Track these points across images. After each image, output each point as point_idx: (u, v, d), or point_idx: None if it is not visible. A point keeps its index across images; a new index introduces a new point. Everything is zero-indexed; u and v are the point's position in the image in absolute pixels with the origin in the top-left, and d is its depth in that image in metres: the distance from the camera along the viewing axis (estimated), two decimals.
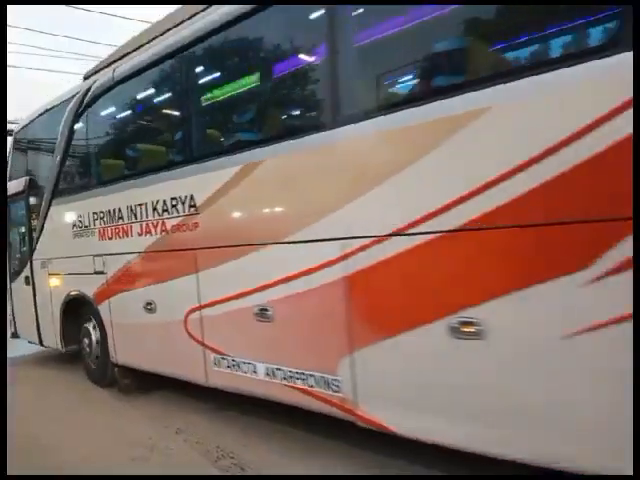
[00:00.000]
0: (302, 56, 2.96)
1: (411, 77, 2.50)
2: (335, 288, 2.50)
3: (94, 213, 4.29)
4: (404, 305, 2.30)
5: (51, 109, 4.99)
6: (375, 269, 2.34)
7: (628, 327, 1.67)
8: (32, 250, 5.30)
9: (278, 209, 2.90)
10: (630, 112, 1.62)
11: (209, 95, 3.46)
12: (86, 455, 3.12)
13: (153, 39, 3.72)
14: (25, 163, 5.57)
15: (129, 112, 4.29)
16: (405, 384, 2.33)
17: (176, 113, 3.79)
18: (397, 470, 2.59)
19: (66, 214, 4.72)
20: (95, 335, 4.64)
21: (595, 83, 1.73)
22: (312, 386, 2.70)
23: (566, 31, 1.99)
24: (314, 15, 2.60)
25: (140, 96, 4.05)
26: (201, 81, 3.54)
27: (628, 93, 1.62)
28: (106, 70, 4.21)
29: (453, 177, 2.08)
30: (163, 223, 3.55)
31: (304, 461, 2.78)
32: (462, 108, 2.02)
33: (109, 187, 4.13)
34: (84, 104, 4.41)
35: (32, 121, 5.39)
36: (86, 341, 4.78)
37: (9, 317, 6.04)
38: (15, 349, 6.09)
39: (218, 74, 3.48)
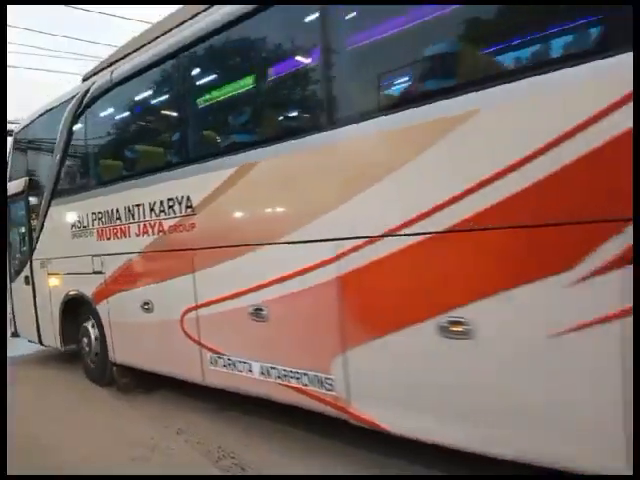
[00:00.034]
0: (299, 57, 2.98)
1: (401, 80, 2.53)
2: (328, 288, 2.54)
3: (93, 213, 4.32)
4: (395, 305, 2.33)
5: (51, 110, 5.03)
6: (367, 269, 2.38)
7: (613, 327, 1.70)
8: (32, 250, 5.34)
9: (273, 210, 2.93)
10: (610, 117, 1.65)
11: (205, 97, 3.49)
12: (86, 455, 3.13)
13: (150, 42, 3.74)
14: (25, 163, 5.61)
15: (127, 113, 4.33)
16: (396, 383, 2.36)
17: (173, 115, 3.83)
18: (397, 470, 2.60)
19: (65, 214, 4.76)
20: (94, 334, 4.68)
21: (581, 87, 1.76)
22: (306, 385, 2.74)
23: (553, 35, 2.03)
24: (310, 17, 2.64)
25: (138, 98, 4.09)
26: (198, 83, 3.58)
27: (609, 98, 1.66)
28: (105, 72, 4.25)
29: (442, 180, 2.11)
30: (160, 224, 3.59)
31: (304, 461, 2.79)
32: (453, 110, 2.05)
33: (107, 188, 4.17)
34: (83, 105, 4.45)
35: (32, 122, 5.43)
36: (85, 340, 4.83)
37: (9, 316, 6.09)
38: (15, 349, 6.13)
39: (215, 76, 3.52)
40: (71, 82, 5.10)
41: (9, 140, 6.08)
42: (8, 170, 5.80)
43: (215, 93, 3.44)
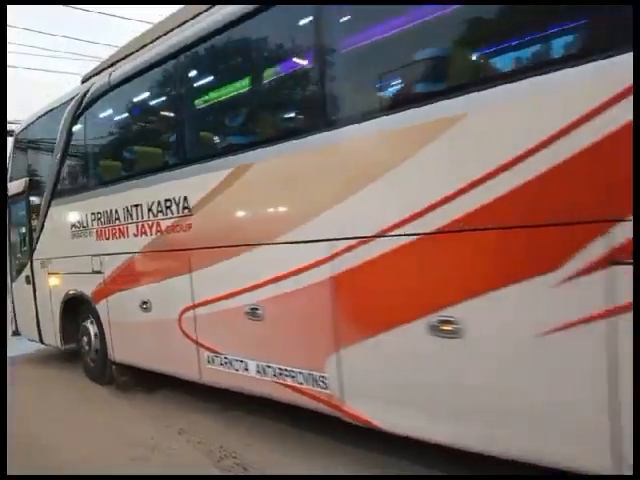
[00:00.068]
0: (296, 59, 3.01)
1: (394, 83, 2.56)
2: (322, 288, 2.58)
3: (92, 213, 4.37)
4: (387, 304, 2.37)
5: (51, 111, 5.07)
6: (360, 270, 2.42)
7: (598, 326, 1.74)
8: (32, 250, 5.39)
9: (267, 211, 2.97)
10: (593, 121, 1.69)
11: (202, 99, 3.53)
12: (86, 455, 3.14)
13: (148, 44, 3.78)
14: (26, 164, 5.66)
15: (125, 115, 4.37)
16: (388, 381, 2.40)
17: (170, 116, 3.87)
18: (398, 470, 2.61)
19: (65, 214, 4.81)
20: (93, 333, 4.73)
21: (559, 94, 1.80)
22: (301, 383, 2.78)
23: (540, 40, 2.06)
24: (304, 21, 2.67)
25: (135, 99, 4.13)
26: (197, 84, 3.62)
27: (584, 107, 1.71)
28: (103, 73, 4.29)
29: (434, 182, 2.14)
30: (158, 224, 3.63)
31: (306, 461, 2.80)
32: (444, 113, 2.08)
33: (106, 188, 4.21)
34: (82, 107, 4.49)
35: (33, 122, 5.48)
36: (85, 339, 4.88)
37: (10, 315, 6.14)
38: (15, 348, 6.17)
39: (214, 77, 3.55)
40: (71, 82, 5.13)
41: (9, 140, 6.12)
42: (9, 170, 5.85)
43: (213, 94, 3.48)
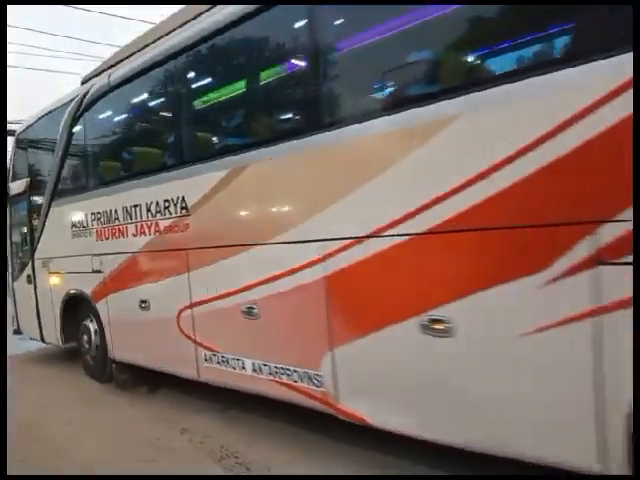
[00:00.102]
0: (294, 60, 3.04)
1: (386, 85, 2.59)
2: (316, 287, 2.61)
3: (92, 214, 4.41)
4: (379, 304, 2.40)
5: (51, 112, 5.12)
6: (352, 270, 2.45)
7: (585, 325, 1.77)
8: (34, 250, 5.44)
9: (263, 212, 3.01)
10: (579, 124, 1.72)
11: (200, 99, 3.57)
12: (87, 455, 3.14)
13: (146, 46, 3.82)
14: (27, 164, 5.71)
15: (124, 116, 4.41)
16: (381, 379, 2.44)
17: (169, 117, 3.90)
18: (398, 470, 2.61)
19: (65, 215, 4.85)
20: (93, 332, 4.78)
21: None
22: (296, 381, 2.82)
23: (532, 42, 2.09)
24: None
25: (134, 100, 4.18)
26: (194, 85, 3.65)
27: (569, 111, 1.73)
28: (103, 75, 4.33)
29: (424, 183, 2.18)
30: (157, 224, 3.67)
31: (307, 461, 2.81)
32: (436, 115, 2.11)
33: (106, 188, 4.26)
34: (82, 108, 4.53)
35: (34, 123, 5.52)
36: (85, 338, 4.93)
37: (11, 314, 6.20)
38: (15, 347, 6.21)
39: (213, 78, 3.59)
40: (71, 82, 5.17)
41: (10, 140, 6.17)
42: (11, 170, 5.91)
43: (211, 95, 3.52)
